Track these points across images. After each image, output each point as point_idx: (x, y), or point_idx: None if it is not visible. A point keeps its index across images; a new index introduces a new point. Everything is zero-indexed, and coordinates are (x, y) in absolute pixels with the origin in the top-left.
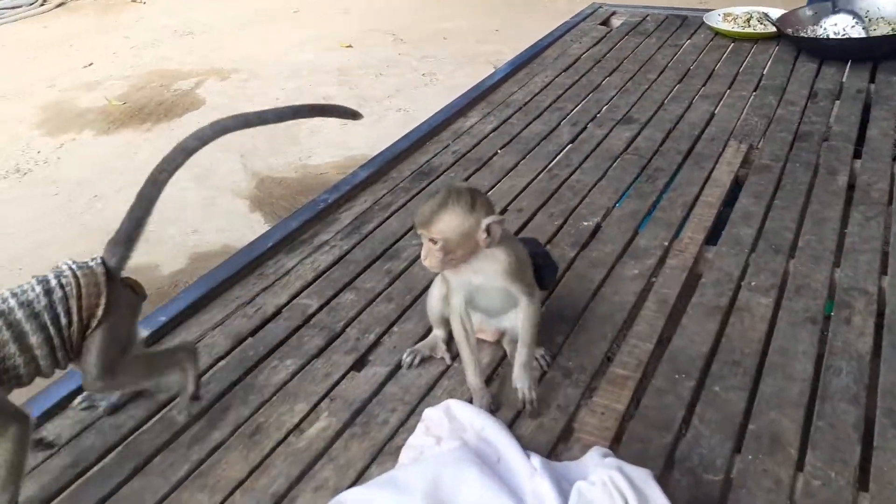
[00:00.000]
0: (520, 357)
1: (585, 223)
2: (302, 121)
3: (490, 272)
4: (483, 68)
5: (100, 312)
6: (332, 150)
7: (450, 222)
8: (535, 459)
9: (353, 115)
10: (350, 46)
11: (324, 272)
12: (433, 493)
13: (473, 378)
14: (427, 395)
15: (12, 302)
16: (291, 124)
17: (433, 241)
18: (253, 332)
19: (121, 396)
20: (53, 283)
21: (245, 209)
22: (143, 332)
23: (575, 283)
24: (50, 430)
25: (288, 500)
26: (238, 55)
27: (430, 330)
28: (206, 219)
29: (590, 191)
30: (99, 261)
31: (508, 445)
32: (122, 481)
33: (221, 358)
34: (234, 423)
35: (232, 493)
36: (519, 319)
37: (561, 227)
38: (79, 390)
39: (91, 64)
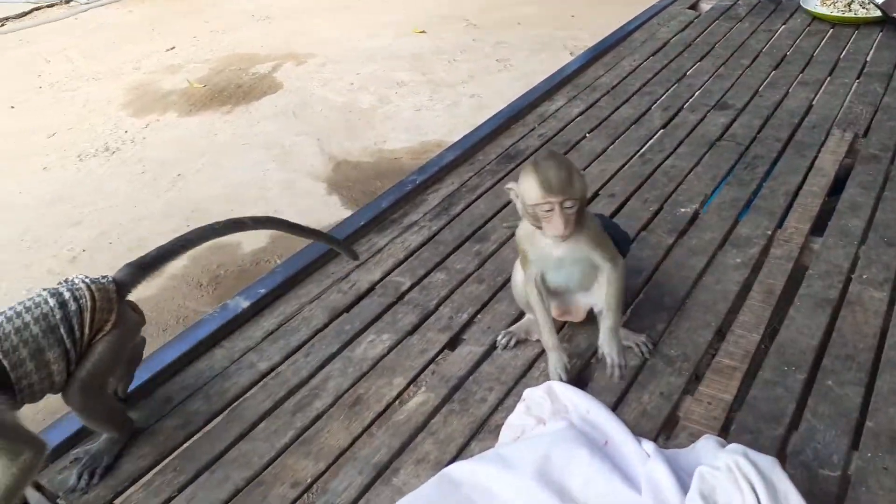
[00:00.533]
0: (606, 322)
1: (683, 210)
2: (378, 105)
3: (575, 241)
4: (560, 54)
5: (108, 327)
6: (406, 135)
7: (581, 183)
8: (648, 445)
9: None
10: (424, 32)
11: (414, 252)
12: (543, 472)
13: (549, 337)
14: (524, 377)
15: (27, 317)
16: (367, 109)
17: (568, 205)
18: (348, 308)
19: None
20: (67, 296)
21: (323, 191)
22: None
23: (673, 270)
24: (160, 394)
25: (391, 470)
26: (314, 40)
27: (523, 313)
28: (286, 200)
29: (685, 177)
30: (110, 279)
31: (617, 429)
32: (229, 444)
33: (319, 331)
34: (334, 393)
35: (336, 460)
36: (603, 286)
37: (657, 213)
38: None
39: (173, 47)
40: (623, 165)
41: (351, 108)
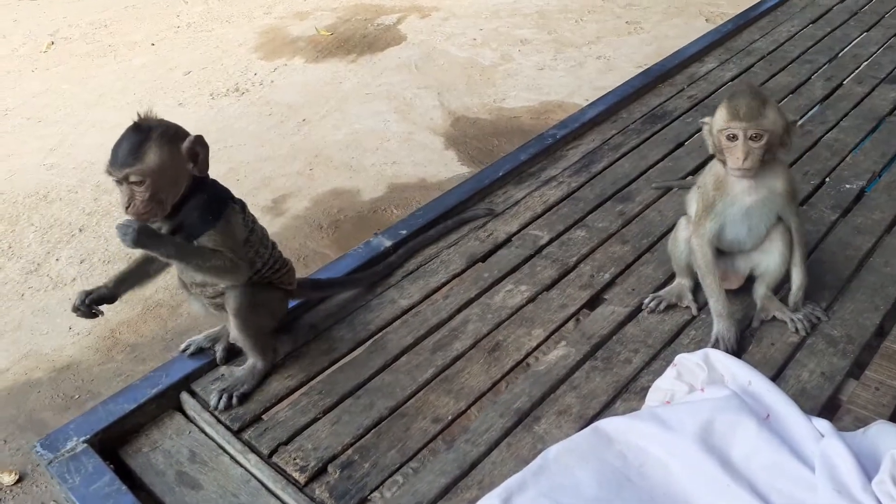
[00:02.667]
0: (797, 279)
1: (847, 186)
2: (500, 62)
3: (770, 189)
4: (695, 21)
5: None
6: (527, 93)
7: (774, 117)
8: (821, 423)
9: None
10: None
11: (553, 206)
12: (705, 437)
13: (720, 303)
14: (672, 342)
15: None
16: (488, 65)
17: (756, 137)
18: (485, 256)
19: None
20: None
21: (440, 146)
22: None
23: (836, 248)
24: (306, 320)
25: (532, 418)
26: None
27: (670, 277)
28: (404, 151)
29: (850, 152)
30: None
31: (783, 403)
32: (373, 373)
33: (457, 275)
34: (473, 336)
35: (476, 401)
36: (777, 244)
37: (818, 187)
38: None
39: None
40: None
41: (473, 63)
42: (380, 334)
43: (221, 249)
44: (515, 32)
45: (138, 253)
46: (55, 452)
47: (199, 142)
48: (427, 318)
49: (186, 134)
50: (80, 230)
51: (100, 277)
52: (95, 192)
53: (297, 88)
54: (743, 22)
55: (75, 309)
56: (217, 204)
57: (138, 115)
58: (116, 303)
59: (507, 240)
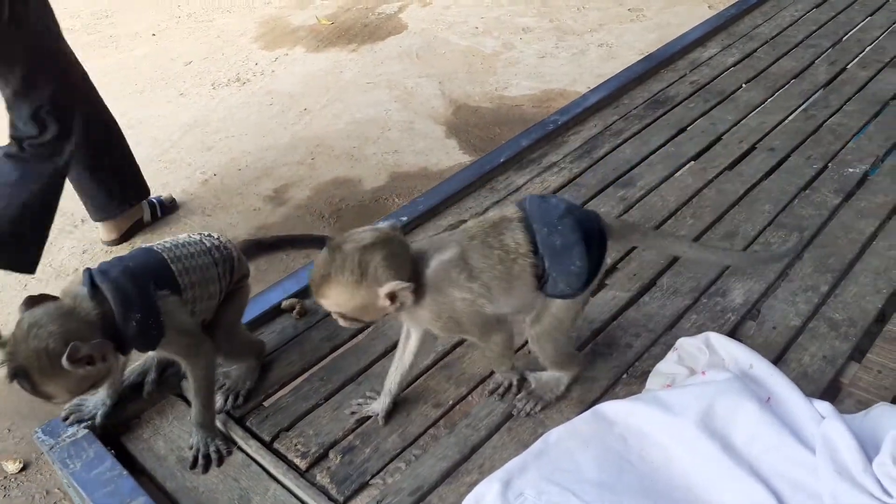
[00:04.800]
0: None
1: (851, 170)
2: (501, 50)
3: (423, 322)
4: (697, 9)
5: (244, 282)
6: (529, 82)
7: (337, 296)
8: (822, 405)
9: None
10: None
11: (554, 192)
12: (706, 420)
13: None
14: (673, 327)
15: (192, 249)
16: (490, 54)
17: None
18: None
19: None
20: (218, 244)
21: (441, 134)
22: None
23: (839, 231)
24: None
25: None
26: None
27: (672, 262)
28: (405, 140)
29: (854, 136)
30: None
31: (783, 386)
32: (374, 360)
33: None
34: None
35: (476, 387)
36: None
37: (821, 171)
38: None
39: None
40: (783, 119)
41: (474, 52)
42: (380, 321)
43: (179, 346)
44: (517, 20)
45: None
46: (56, 438)
47: (75, 351)
48: None
49: (62, 350)
50: (83, 221)
51: None
52: None
53: (298, 78)
54: (746, 7)
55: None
56: (150, 321)
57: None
58: None
59: None
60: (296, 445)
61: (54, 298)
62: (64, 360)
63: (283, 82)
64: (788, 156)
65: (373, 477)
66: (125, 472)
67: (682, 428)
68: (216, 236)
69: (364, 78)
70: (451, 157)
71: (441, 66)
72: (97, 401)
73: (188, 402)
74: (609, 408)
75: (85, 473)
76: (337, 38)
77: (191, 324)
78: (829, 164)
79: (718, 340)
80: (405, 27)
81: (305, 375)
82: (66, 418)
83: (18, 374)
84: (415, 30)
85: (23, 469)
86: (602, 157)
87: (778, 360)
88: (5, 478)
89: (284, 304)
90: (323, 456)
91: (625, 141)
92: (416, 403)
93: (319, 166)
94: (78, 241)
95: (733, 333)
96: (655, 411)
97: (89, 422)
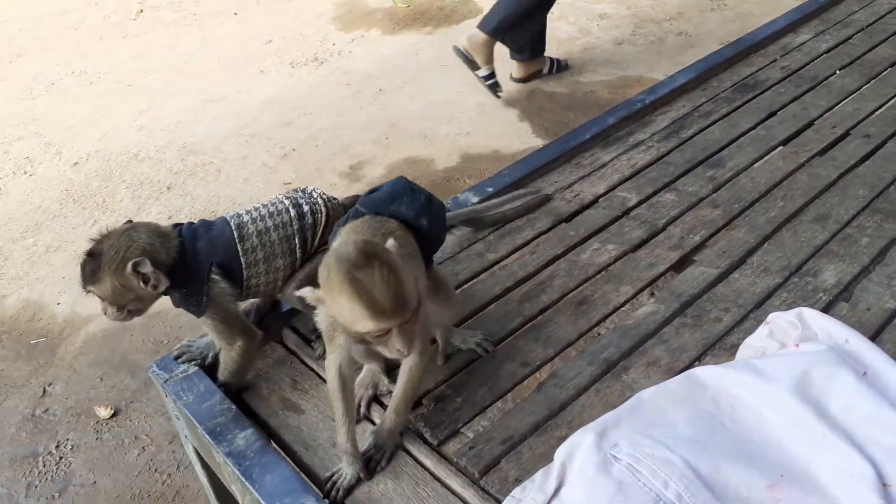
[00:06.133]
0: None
1: None
2: (577, 36)
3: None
4: None
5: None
6: (604, 68)
7: (414, 287)
8: None
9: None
10: None
11: (641, 170)
12: (802, 387)
13: (344, 438)
14: (764, 304)
15: (269, 223)
16: (566, 39)
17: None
18: (571, 216)
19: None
20: (306, 209)
21: (514, 118)
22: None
23: None
24: None
25: (620, 367)
26: None
27: (763, 241)
28: (478, 123)
29: None
30: (338, 202)
31: (881, 360)
32: (462, 319)
33: (543, 233)
34: (560, 290)
35: (563, 349)
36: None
37: None
38: None
39: None
40: (880, 106)
41: (549, 37)
42: (467, 285)
43: (216, 329)
44: (593, 7)
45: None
46: (170, 373)
47: (141, 265)
48: (514, 272)
49: (134, 257)
50: (168, 188)
51: None
52: (181, 152)
53: (374, 59)
54: None
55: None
56: (195, 296)
57: (92, 240)
58: None
59: (594, 201)
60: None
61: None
62: (129, 266)
63: (359, 63)
64: (885, 142)
65: (464, 425)
66: (233, 406)
67: (776, 393)
68: (316, 195)
69: (439, 61)
70: (523, 140)
71: None
72: (206, 342)
73: (287, 348)
74: (701, 372)
75: (196, 405)
76: (412, 21)
77: (229, 313)
78: None
79: (812, 315)
80: (480, 11)
81: None
82: (177, 357)
83: (94, 254)
84: None
85: (113, 415)
86: (690, 138)
87: (872, 340)
88: (98, 423)
89: None
90: (416, 403)
91: (713, 122)
92: (504, 360)
93: (393, 145)
94: (164, 207)
95: (825, 313)
96: (748, 376)
97: (199, 360)
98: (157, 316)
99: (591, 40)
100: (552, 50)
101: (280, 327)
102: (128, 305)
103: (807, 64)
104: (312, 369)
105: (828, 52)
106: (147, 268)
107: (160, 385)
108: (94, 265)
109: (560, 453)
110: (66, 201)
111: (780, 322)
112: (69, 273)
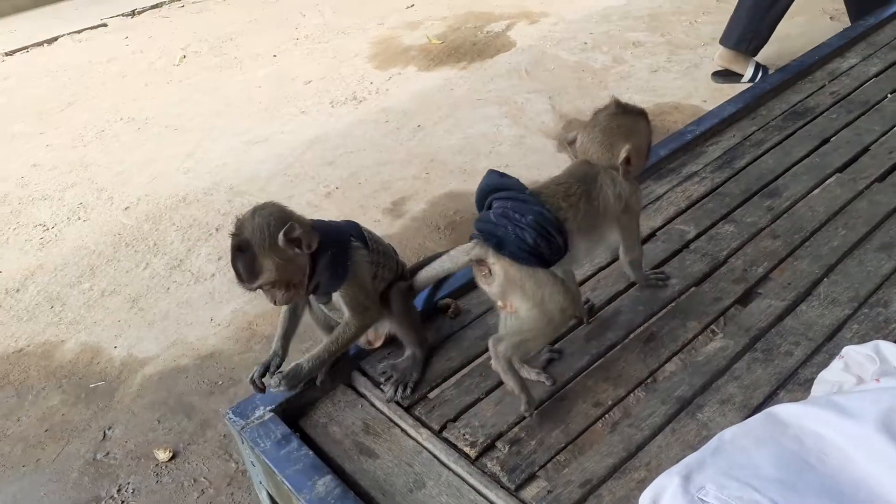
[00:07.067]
0: None
1: None
2: (612, 65)
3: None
4: (819, 20)
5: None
6: (641, 95)
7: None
8: None
9: None
10: None
11: (697, 202)
12: (888, 425)
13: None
14: (835, 336)
15: (376, 234)
16: (600, 68)
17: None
18: None
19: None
20: None
21: (552, 149)
22: None
23: None
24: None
25: (694, 405)
26: None
27: (827, 271)
28: (517, 155)
29: None
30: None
31: None
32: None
33: (603, 268)
34: (626, 327)
35: (635, 388)
36: None
37: None
38: None
39: (413, 5)
40: None
41: (583, 67)
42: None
43: (355, 298)
44: (627, 35)
45: (283, 308)
46: (246, 419)
47: (291, 230)
48: None
49: (280, 228)
50: (217, 229)
51: None
52: (228, 194)
53: (411, 96)
54: (886, 15)
55: (252, 381)
56: (342, 258)
57: (232, 232)
58: (253, 296)
59: (653, 234)
60: (464, 435)
61: None
62: (280, 236)
63: (396, 100)
64: None
65: (540, 468)
66: (311, 452)
67: (862, 431)
68: None
69: (474, 95)
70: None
71: (550, 82)
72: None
73: (356, 391)
74: (782, 410)
75: (275, 452)
76: (447, 57)
77: (370, 283)
78: None
79: (889, 349)
80: (513, 45)
81: (465, 370)
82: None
83: (242, 247)
84: (523, 47)
85: (172, 458)
86: (744, 168)
87: None
88: (157, 465)
89: (441, 303)
90: (491, 446)
91: (766, 151)
92: (576, 401)
93: (434, 180)
94: (213, 248)
95: None
96: (831, 414)
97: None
98: (211, 357)
99: (626, 68)
100: (586, 81)
101: (349, 370)
102: (293, 279)
103: (856, 88)
104: (383, 412)
105: (877, 75)
106: (297, 231)
107: (236, 432)
108: (248, 257)
109: (645, 498)
110: (119, 245)
111: (855, 356)
112: (125, 316)
